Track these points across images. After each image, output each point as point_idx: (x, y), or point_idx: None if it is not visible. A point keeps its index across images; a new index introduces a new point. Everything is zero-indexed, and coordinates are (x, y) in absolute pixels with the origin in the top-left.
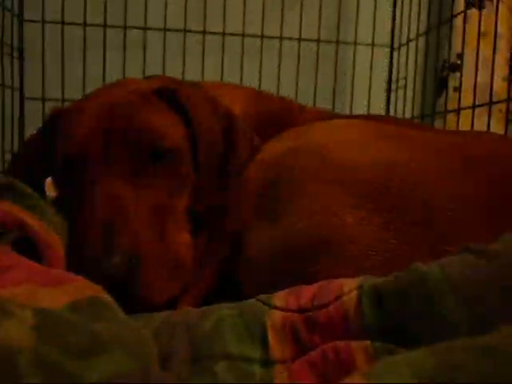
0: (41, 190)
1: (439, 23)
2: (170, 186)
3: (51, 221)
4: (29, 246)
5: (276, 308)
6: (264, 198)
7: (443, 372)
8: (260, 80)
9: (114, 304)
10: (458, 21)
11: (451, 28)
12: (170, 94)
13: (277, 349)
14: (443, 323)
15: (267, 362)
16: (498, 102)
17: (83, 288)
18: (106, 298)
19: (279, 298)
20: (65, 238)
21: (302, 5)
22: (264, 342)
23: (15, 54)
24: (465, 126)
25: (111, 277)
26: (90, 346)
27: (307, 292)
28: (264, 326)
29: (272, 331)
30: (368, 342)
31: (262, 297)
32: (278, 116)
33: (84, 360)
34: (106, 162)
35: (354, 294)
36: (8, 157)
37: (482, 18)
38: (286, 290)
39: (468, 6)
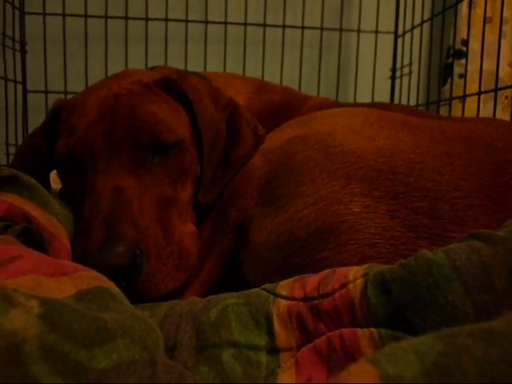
0: (46, 183)
1: (444, 9)
2: (173, 178)
3: (56, 212)
4: (34, 238)
5: (281, 297)
6: (269, 186)
7: (449, 357)
8: (263, 69)
9: (120, 294)
10: (463, 6)
11: (456, 14)
12: (173, 85)
13: (283, 337)
14: (450, 310)
15: (273, 350)
16: (503, 88)
17: (89, 278)
18: (113, 287)
19: (284, 286)
20: (70, 228)
21: None
22: (270, 330)
23: (17, 46)
24: (470, 112)
25: (114, 267)
26: (96, 335)
27: (312, 280)
28: (270, 314)
29: (278, 319)
30: (374, 330)
31: (268, 286)
32: (281, 106)
33: (90, 348)
34: (109, 154)
35: (360, 281)
36: (12, 150)
37: (488, 3)
38: (291, 279)
39: None
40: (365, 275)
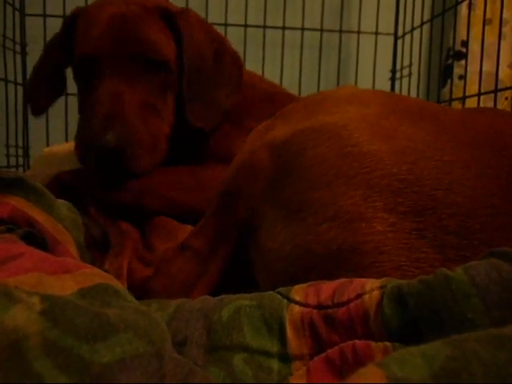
0: (62, 78)
1: (443, 10)
2: (157, 91)
3: (62, 217)
4: (37, 242)
5: (295, 302)
6: (277, 184)
7: (457, 361)
8: (263, 70)
9: (124, 291)
10: (463, 8)
11: (456, 15)
12: (169, 16)
13: (295, 344)
14: (468, 327)
15: (285, 358)
16: (503, 90)
17: (92, 275)
18: (116, 284)
19: (298, 292)
20: (76, 234)
21: None
22: (282, 337)
23: (17, 48)
24: None
25: (105, 148)
26: (98, 330)
27: (327, 288)
28: (282, 320)
29: (290, 326)
30: (388, 344)
31: (282, 289)
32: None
33: (93, 343)
34: (111, 64)
35: (376, 293)
36: (12, 151)
37: (487, 4)
38: (306, 284)
39: None
40: (382, 287)
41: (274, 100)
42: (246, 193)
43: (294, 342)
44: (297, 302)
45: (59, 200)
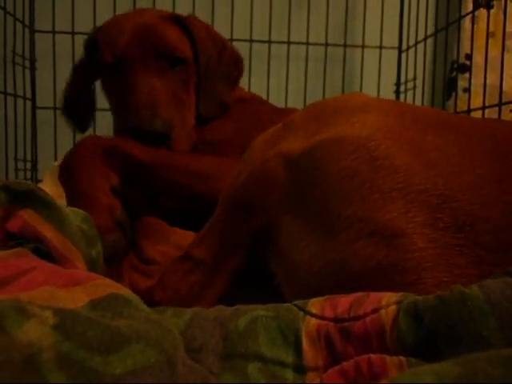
0: (92, 94)
1: (447, 24)
2: (182, 85)
3: (72, 231)
4: (48, 256)
5: (311, 315)
6: (298, 197)
7: (467, 379)
8: (268, 85)
9: (136, 300)
10: (466, 21)
11: (459, 29)
12: (181, 21)
13: (310, 356)
14: (483, 344)
15: (300, 369)
16: (508, 103)
17: (103, 286)
18: (128, 294)
19: (315, 305)
20: (84, 248)
21: (308, 9)
22: (297, 348)
23: (27, 64)
24: None
25: (155, 132)
26: (110, 342)
27: (344, 302)
28: (298, 331)
29: (306, 338)
30: (403, 358)
31: (298, 302)
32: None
33: (105, 355)
34: (143, 63)
35: (393, 308)
36: (21, 165)
37: (491, 17)
38: (323, 298)
39: (476, 6)
40: (398, 302)
41: (282, 113)
42: (261, 203)
43: (310, 354)
44: (313, 315)
45: (74, 209)
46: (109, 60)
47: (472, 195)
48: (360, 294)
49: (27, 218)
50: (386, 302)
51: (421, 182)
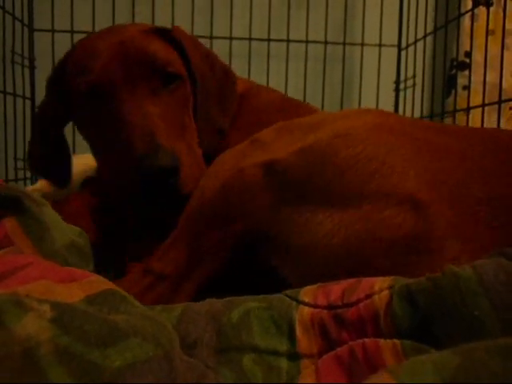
0: (61, 137)
1: (447, 22)
2: (181, 105)
3: (48, 249)
4: None
5: (304, 304)
6: (306, 183)
7: (466, 371)
8: (267, 83)
9: (130, 296)
10: (466, 19)
11: (459, 26)
12: (166, 33)
13: (304, 343)
14: (476, 325)
15: (294, 356)
16: (507, 101)
17: (97, 282)
18: (121, 291)
19: (307, 293)
20: (74, 264)
21: (308, 7)
22: (291, 336)
23: (26, 63)
24: (475, 123)
25: (161, 169)
26: (108, 335)
27: (336, 289)
28: (292, 320)
29: (300, 326)
30: (397, 341)
31: (289, 292)
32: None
33: (103, 349)
34: (129, 86)
35: (386, 293)
36: (21, 165)
37: (490, 15)
38: (315, 286)
39: (476, 3)
40: (390, 287)
41: (287, 111)
42: (240, 210)
43: (304, 342)
44: (306, 304)
45: (70, 225)
46: (83, 89)
47: (483, 176)
48: (352, 280)
49: (9, 228)
50: (379, 288)
51: (435, 163)
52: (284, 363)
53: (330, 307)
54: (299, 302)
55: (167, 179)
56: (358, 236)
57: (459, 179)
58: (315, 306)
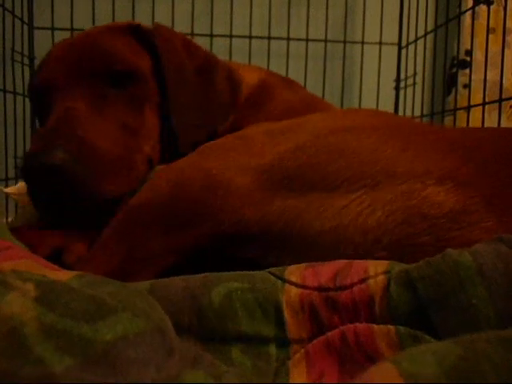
0: None
1: (447, 20)
2: (131, 107)
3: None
4: None
5: (291, 283)
6: (321, 169)
7: (468, 361)
8: None
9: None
10: (467, 17)
11: (459, 25)
12: (139, 30)
13: (293, 328)
14: (472, 312)
15: (283, 342)
16: (508, 99)
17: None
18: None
19: (293, 272)
20: None
21: (308, 5)
22: (279, 320)
23: (26, 61)
24: (475, 122)
25: (44, 167)
26: (96, 311)
27: (327, 270)
28: (279, 302)
29: (288, 309)
30: (391, 327)
31: (274, 269)
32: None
33: (92, 323)
34: (67, 84)
35: (382, 277)
36: (21, 162)
37: (491, 13)
38: (302, 265)
39: (476, 1)
40: (386, 272)
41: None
42: (223, 212)
43: (293, 326)
44: (293, 283)
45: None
46: (30, 93)
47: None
48: (342, 262)
49: None
50: (374, 272)
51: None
52: (273, 350)
53: (320, 289)
54: (285, 281)
55: (51, 178)
56: (399, 215)
57: (490, 157)
58: (304, 287)
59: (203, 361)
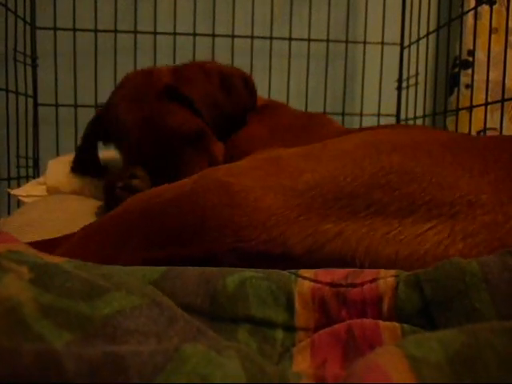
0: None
1: (450, 20)
2: (191, 149)
3: None
4: None
5: (304, 278)
6: (371, 194)
7: (472, 348)
8: (270, 81)
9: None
10: (469, 17)
11: (462, 25)
12: (175, 92)
13: (302, 316)
14: (476, 316)
15: (290, 328)
16: (510, 99)
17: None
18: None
19: (308, 272)
20: None
21: (310, 5)
22: (289, 308)
23: (28, 61)
24: (478, 122)
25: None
26: (91, 290)
27: (340, 271)
28: (291, 292)
29: (299, 299)
30: (397, 324)
31: (288, 270)
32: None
33: (89, 301)
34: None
35: (391, 279)
36: (23, 162)
37: (494, 13)
38: (313, 270)
39: (479, 1)
40: (396, 276)
41: (309, 130)
42: (258, 225)
43: (302, 315)
44: (306, 278)
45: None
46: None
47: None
48: (353, 269)
49: None
50: (384, 274)
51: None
52: (279, 335)
53: (332, 285)
54: (299, 276)
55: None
56: (482, 248)
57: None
58: (316, 281)
59: (206, 333)
